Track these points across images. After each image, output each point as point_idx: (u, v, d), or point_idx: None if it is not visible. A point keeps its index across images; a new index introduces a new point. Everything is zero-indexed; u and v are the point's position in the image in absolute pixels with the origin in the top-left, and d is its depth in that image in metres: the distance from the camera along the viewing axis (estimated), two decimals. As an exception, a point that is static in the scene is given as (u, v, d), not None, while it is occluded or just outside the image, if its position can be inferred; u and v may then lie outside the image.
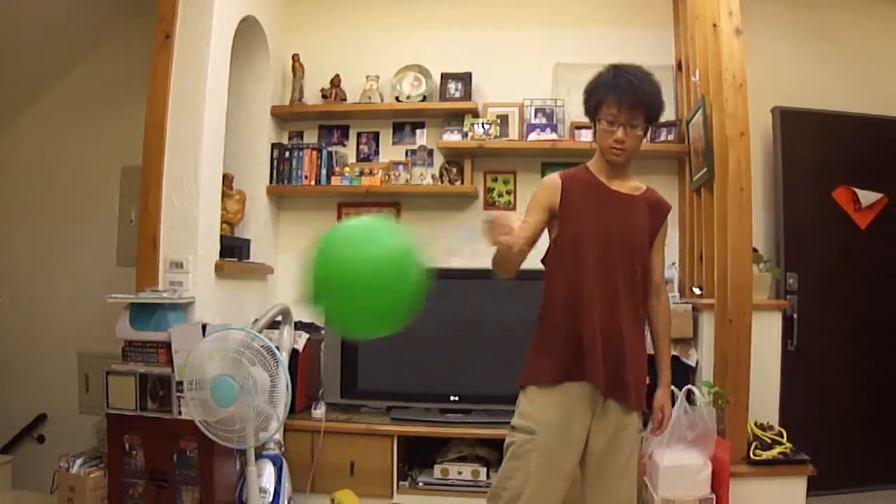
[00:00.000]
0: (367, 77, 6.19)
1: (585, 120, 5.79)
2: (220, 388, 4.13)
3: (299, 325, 5.51)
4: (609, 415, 3.32)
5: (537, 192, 3.51)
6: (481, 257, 3.39)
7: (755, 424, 4.72)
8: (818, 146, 5.91)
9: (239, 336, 4.35)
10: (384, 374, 5.56)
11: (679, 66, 5.95)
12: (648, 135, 5.75)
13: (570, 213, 3.40)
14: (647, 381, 3.50)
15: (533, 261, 3.44)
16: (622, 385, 3.29)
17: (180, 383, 4.47)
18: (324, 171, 6.11)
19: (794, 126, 5.87)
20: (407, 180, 6.09)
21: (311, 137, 6.41)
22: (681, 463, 4.43)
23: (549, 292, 3.45)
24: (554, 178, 3.49)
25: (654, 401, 3.55)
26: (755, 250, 4.93)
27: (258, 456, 4.65)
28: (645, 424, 3.63)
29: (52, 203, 6.63)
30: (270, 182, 6.16)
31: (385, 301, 2.59)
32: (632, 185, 3.51)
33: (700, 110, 5.13)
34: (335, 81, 6.23)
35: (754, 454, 4.55)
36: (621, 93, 3.28)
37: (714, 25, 4.86)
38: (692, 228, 5.60)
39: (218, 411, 4.17)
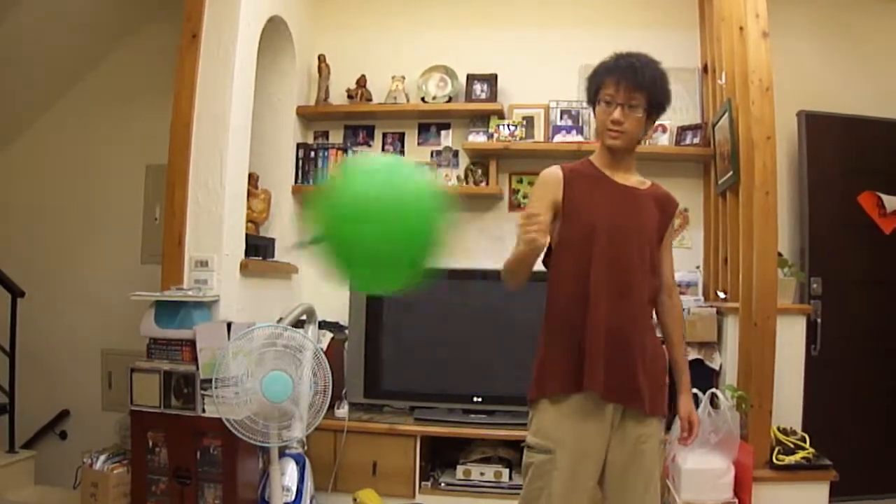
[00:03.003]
0: (392, 77, 6.21)
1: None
2: (275, 383, 4.17)
3: (323, 325, 5.53)
4: (627, 426, 3.11)
5: (538, 187, 3.31)
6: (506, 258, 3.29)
7: (778, 429, 4.72)
8: (843, 150, 5.89)
9: (276, 333, 4.38)
10: (407, 374, 5.59)
11: (705, 69, 5.94)
12: (674, 137, 5.79)
13: (576, 208, 3.18)
14: (668, 382, 3.34)
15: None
16: (633, 390, 3.09)
17: (204, 381, 4.49)
18: (349, 172, 6.09)
19: (820, 130, 5.84)
20: (432, 181, 6.07)
21: (336, 137, 6.43)
22: (704, 466, 4.43)
23: (553, 296, 3.24)
24: (554, 170, 3.27)
25: (680, 409, 3.35)
26: (780, 254, 4.92)
27: (281, 454, 4.67)
28: (669, 427, 3.49)
29: (77, 200, 6.68)
30: (295, 182, 6.18)
31: (403, 242, 2.36)
32: (637, 179, 3.30)
33: (726, 113, 5.12)
34: (361, 82, 6.24)
35: (777, 459, 4.54)
36: (620, 73, 3.12)
37: (741, 28, 4.86)
38: (717, 232, 5.59)
39: (267, 407, 4.22)
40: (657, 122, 5.69)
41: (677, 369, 3.38)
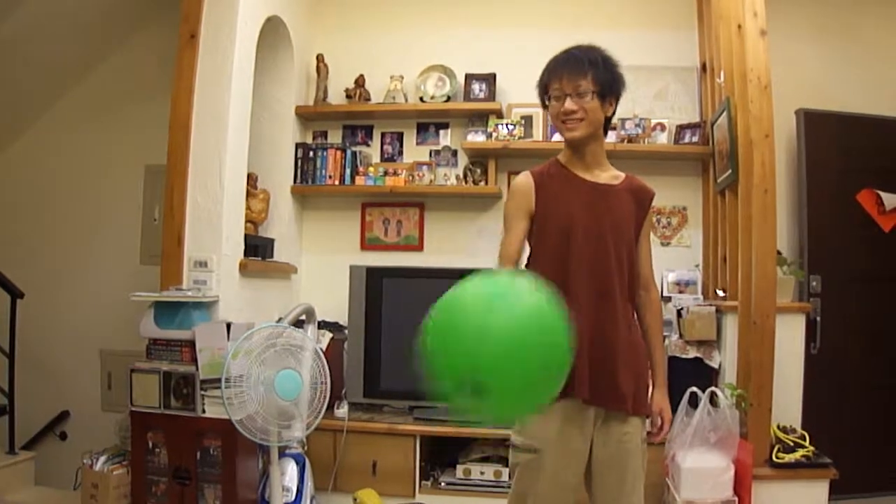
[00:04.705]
0: (391, 77, 6.21)
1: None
2: (287, 381, 4.22)
3: (323, 325, 5.52)
4: (610, 425, 3.11)
5: (510, 199, 3.31)
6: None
7: (778, 427, 4.71)
8: (842, 148, 5.89)
9: (276, 333, 4.39)
10: (407, 373, 5.53)
11: (704, 67, 5.94)
12: (673, 136, 5.79)
13: (549, 212, 3.17)
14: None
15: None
16: (616, 393, 3.08)
17: (204, 381, 4.49)
18: (348, 171, 6.12)
19: (818, 128, 5.84)
20: (431, 181, 6.11)
21: (335, 137, 6.43)
22: (703, 465, 4.43)
23: None
24: (525, 178, 3.26)
25: (652, 404, 3.31)
26: (779, 253, 4.92)
27: (281, 455, 4.67)
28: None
29: (76, 201, 6.68)
30: (295, 182, 6.18)
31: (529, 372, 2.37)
32: (610, 175, 3.27)
33: (725, 112, 5.12)
34: (359, 81, 6.24)
35: (777, 457, 4.54)
36: (561, 66, 3.14)
37: (739, 26, 4.85)
38: (716, 230, 5.59)
39: (272, 405, 4.24)
40: (655, 121, 5.83)
41: (654, 365, 3.34)
